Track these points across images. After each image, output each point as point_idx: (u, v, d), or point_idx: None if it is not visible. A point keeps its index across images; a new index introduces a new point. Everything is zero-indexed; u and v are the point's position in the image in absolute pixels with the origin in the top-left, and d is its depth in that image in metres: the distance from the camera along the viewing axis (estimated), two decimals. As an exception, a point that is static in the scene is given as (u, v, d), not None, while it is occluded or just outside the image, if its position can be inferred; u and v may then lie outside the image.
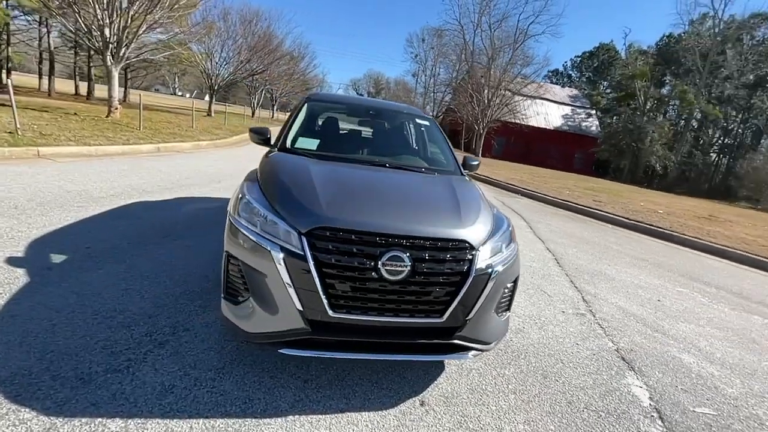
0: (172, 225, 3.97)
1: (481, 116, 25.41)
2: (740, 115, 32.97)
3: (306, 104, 3.22)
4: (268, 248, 1.73)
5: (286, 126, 2.97)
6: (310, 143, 2.85)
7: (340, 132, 3.40)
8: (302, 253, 1.69)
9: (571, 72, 52.39)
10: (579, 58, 51.41)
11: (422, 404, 1.95)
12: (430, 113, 46.57)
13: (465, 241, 1.86)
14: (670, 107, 31.97)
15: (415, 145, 3.53)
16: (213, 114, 20.93)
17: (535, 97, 28.32)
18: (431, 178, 2.67)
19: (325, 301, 1.69)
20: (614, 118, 32.23)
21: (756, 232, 9.20)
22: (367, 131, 3.49)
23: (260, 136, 2.91)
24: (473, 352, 1.94)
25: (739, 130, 34.06)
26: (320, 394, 1.90)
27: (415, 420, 1.84)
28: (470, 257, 1.84)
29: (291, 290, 1.69)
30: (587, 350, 2.76)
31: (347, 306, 1.72)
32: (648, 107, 31.21)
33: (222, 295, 1.96)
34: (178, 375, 1.89)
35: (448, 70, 46.69)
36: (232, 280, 1.91)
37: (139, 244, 3.37)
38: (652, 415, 2.14)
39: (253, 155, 10.62)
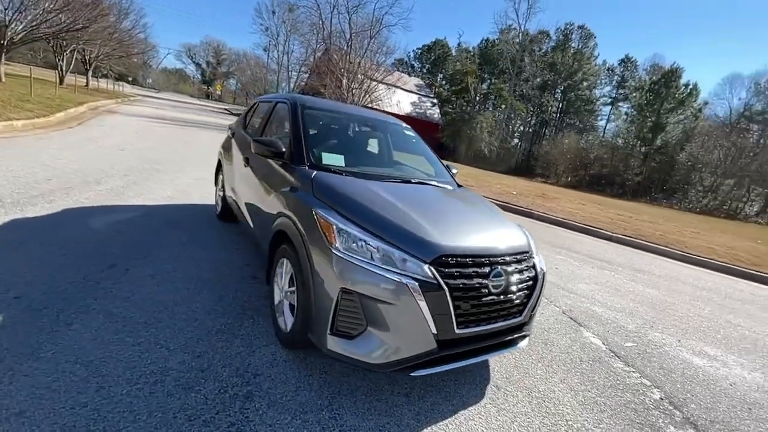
0: (102, 250, 3.18)
1: (350, 101, 25.98)
2: (535, 110, 42.88)
3: (301, 112, 3.03)
4: (402, 281, 1.80)
5: (295, 138, 2.76)
6: (336, 159, 2.77)
7: (350, 145, 3.32)
8: (436, 281, 1.84)
9: (414, 63, 57.76)
10: (420, 51, 57.03)
11: (498, 388, 2.35)
12: (287, 91, 44.81)
13: (529, 250, 2.30)
14: (492, 101, 39.15)
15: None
16: (3, 79, 15.39)
17: (392, 86, 30.51)
18: (455, 192, 2.97)
19: (454, 321, 1.89)
20: (452, 107, 37.45)
21: (574, 206, 12.56)
22: (372, 144, 3.51)
23: (271, 148, 2.65)
24: (526, 339, 2.42)
25: (533, 122, 44.51)
26: (428, 402, 2.10)
27: (502, 400, 2.23)
28: (534, 262, 2.29)
29: (428, 316, 1.82)
30: (548, 316, 3.62)
31: (467, 321, 1.95)
32: (477, 100, 37.45)
33: (328, 333, 1.91)
34: (295, 424, 1.79)
35: (303, 47, 45.46)
36: (346, 315, 1.88)
37: (96, 286, 2.65)
38: (607, 351, 3.07)
39: (108, 141, 8.67)
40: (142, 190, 5.05)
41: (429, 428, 1.92)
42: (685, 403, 2.57)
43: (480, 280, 1.96)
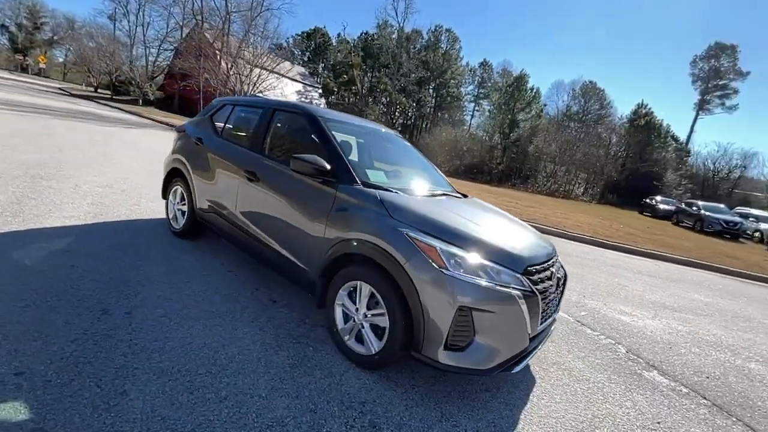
0: (73, 294, 2.56)
1: (238, 90, 23.83)
2: (415, 104, 46.25)
3: (326, 126, 2.90)
4: (510, 292, 2.04)
5: (335, 155, 2.66)
6: (378, 175, 2.76)
7: (376, 159, 3.24)
8: (530, 289, 2.13)
9: (294, 50, 55.60)
10: (299, 37, 55.16)
11: (538, 369, 2.80)
12: (140, 70, 38.24)
13: (556, 251, 2.77)
14: (376, 94, 40.70)
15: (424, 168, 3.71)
16: None
17: (283, 76, 29.05)
18: (474, 201, 3.25)
19: (538, 321, 2.22)
20: (338, 99, 37.70)
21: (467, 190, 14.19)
22: (390, 156, 3.49)
23: (316, 166, 2.52)
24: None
25: (412, 116, 48.08)
26: (505, 392, 2.40)
27: (546, 376, 2.68)
28: (560, 260, 2.78)
29: (528, 320, 2.11)
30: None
31: (541, 319, 2.31)
32: (364, 92, 38.45)
33: (441, 348, 2.03)
34: (429, 440, 1.89)
35: (163, 20, 39.39)
36: (458, 330, 2.03)
37: (109, 339, 2.16)
38: (576, 323, 3.85)
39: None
40: (45, 207, 4.01)
41: (523, 410, 2.23)
42: (639, 351, 3.46)
43: (548, 283, 2.33)
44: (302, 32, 55.15)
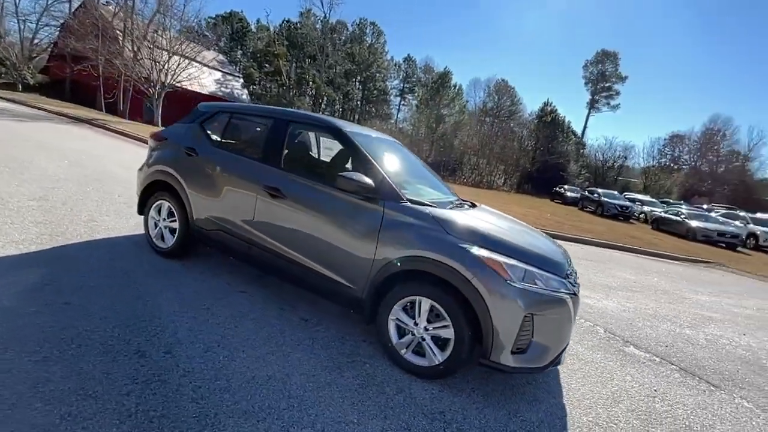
0: (88, 337, 2.26)
1: (157, 78, 21.31)
2: (343, 98, 45.87)
3: (354, 140, 2.88)
4: (563, 297, 2.31)
5: (374, 171, 2.67)
6: (416, 190, 2.81)
7: (405, 172, 3.24)
8: (573, 290, 2.42)
9: (207, 33, 51.05)
10: (213, 21, 50.82)
11: (553, 356, 3.16)
12: (15, 49, 32.02)
13: None
14: (304, 86, 39.44)
15: None
16: None
17: (198, 62, 26.55)
18: (485, 209, 3.47)
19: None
20: (263, 90, 35.82)
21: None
22: (411, 167, 3.50)
23: (362, 184, 2.52)
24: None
25: (341, 109, 47.71)
26: (541, 380, 2.70)
27: (566, 361, 3.05)
28: None
29: (573, 318, 2.41)
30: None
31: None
32: (291, 84, 37.00)
33: (510, 353, 2.23)
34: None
35: (41, -8, 33.33)
36: (522, 335, 2.24)
37: (166, 386, 1.96)
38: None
39: None
40: (-3, 231, 3.34)
41: (563, 396, 2.54)
42: (613, 330, 4.06)
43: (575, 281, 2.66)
44: (216, 15, 50.99)
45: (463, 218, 2.58)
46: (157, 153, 3.65)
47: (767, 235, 15.82)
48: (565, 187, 28.93)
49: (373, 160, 2.75)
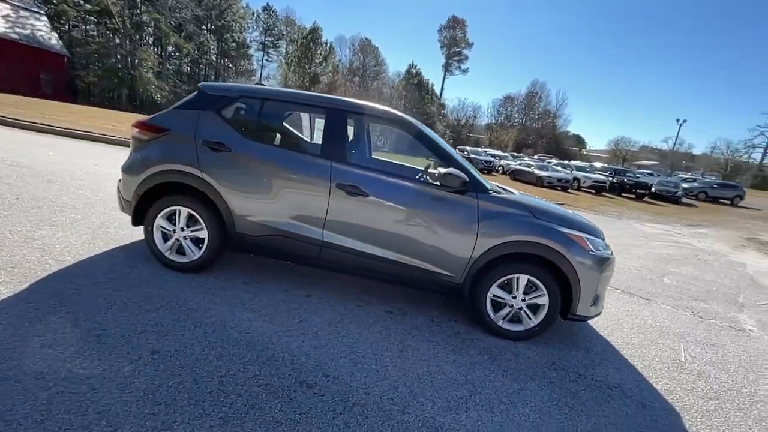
0: (199, 406, 2.01)
1: None
2: (197, 51, 39.38)
3: (426, 131, 2.92)
4: (611, 257, 2.98)
5: (462, 165, 2.82)
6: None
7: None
8: (612, 252, 3.14)
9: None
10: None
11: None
12: None
13: None
14: (148, 33, 32.18)
15: None
16: None
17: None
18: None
19: (605, 270, 3.31)
20: (86, 35, 27.99)
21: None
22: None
23: (462, 179, 2.69)
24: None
25: (196, 60, 41.10)
26: (564, 332, 3.46)
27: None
28: None
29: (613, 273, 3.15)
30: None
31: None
32: (129, 30, 29.69)
33: (591, 306, 2.84)
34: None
35: None
36: (596, 290, 2.86)
37: None
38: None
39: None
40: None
41: (604, 331, 3.35)
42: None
43: None
44: None
45: (537, 203, 3.01)
46: (157, 149, 2.94)
47: (585, 179, 21.06)
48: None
49: (454, 155, 2.89)
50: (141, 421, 1.61)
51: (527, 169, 21.64)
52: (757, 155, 60.16)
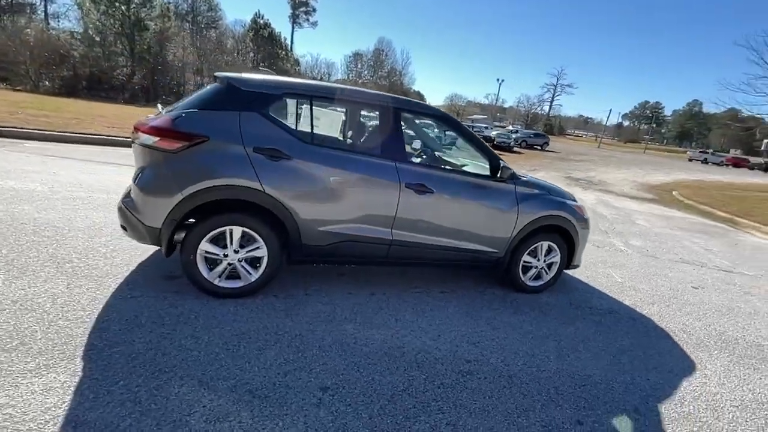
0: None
1: None
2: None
3: (464, 126, 3.18)
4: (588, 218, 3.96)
5: (494, 155, 3.21)
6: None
7: None
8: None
9: None
10: None
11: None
12: None
13: None
14: None
15: None
16: None
17: None
18: None
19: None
20: None
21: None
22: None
23: (511, 171, 3.13)
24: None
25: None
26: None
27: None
28: None
29: (580, 227, 4.17)
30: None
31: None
32: None
33: (578, 257, 3.76)
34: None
35: None
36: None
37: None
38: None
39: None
40: None
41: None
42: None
43: None
44: None
45: (544, 182, 3.69)
46: (196, 161, 2.40)
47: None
48: (304, 107, 30.84)
49: (487, 145, 3.26)
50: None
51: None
52: (547, 107, 77.46)
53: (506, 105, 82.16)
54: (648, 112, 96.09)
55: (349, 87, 3.08)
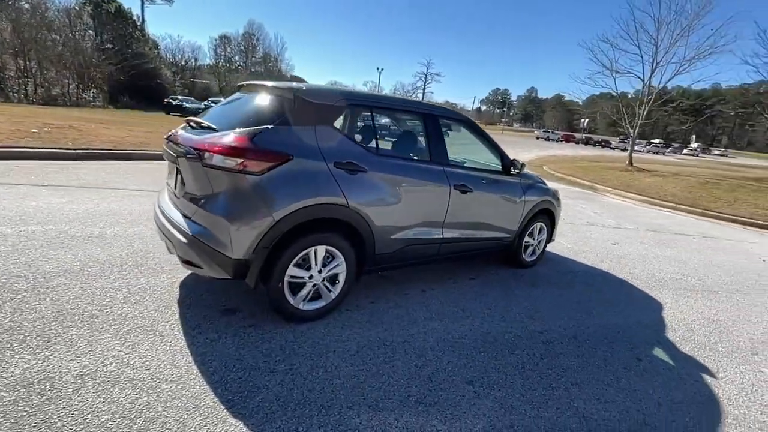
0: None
1: None
2: None
3: (477, 125, 3.53)
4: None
5: (503, 152, 3.66)
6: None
7: None
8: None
9: None
10: None
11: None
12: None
13: None
14: None
15: None
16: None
17: None
18: None
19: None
20: None
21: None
22: None
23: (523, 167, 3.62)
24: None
25: None
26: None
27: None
28: None
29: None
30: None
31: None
32: None
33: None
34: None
35: None
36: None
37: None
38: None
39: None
40: None
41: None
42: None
43: None
44: None
45: (532, 173, 4.31)
46: (284, 181, 2.23)
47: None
48: (179, 97, 27.21)
49: (499, 145, 3.70)
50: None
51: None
52: (420, 94, 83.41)
53: (384, 92, 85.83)
54: (500, 97, 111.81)
55: (398, 97, 3.13)
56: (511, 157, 3.72)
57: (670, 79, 17.13)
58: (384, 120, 4.97)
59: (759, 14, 33.75)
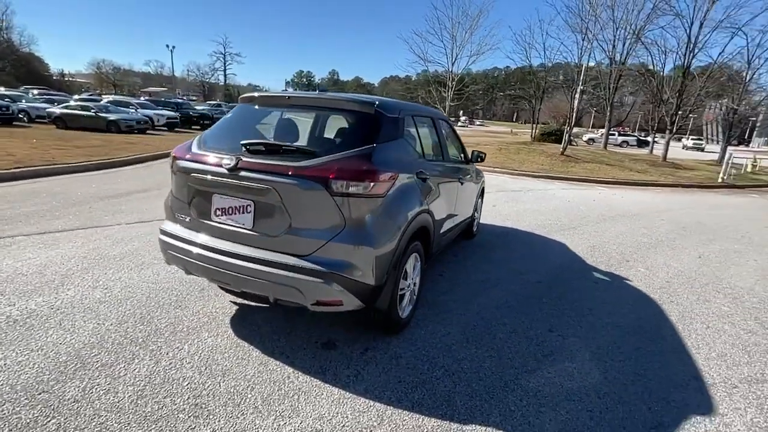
0: None
1: None
2: None
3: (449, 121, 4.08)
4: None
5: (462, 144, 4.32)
6: None
7: None
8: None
9: None
10: None
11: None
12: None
13: None
14: None
15: None
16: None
17: None
18: None
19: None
20: None
21: None
22: None
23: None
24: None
25: None
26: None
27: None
28: None
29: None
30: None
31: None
32: None
33: (479, 204, 5.66)
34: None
35: None
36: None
37: None
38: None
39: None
40: None
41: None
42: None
43: None
44: None
45: None
46: (399, 199, 2.30)
47: (158, 117, 20.07)
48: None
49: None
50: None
51: (83, 112, 17.22)
52: (221, 77, 75.68)
53: (176, 74, 73.97)
54: (304, 79, 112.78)
55: (426, 107, 3.35)
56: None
57: (464, 68, 21.40)
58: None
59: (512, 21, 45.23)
